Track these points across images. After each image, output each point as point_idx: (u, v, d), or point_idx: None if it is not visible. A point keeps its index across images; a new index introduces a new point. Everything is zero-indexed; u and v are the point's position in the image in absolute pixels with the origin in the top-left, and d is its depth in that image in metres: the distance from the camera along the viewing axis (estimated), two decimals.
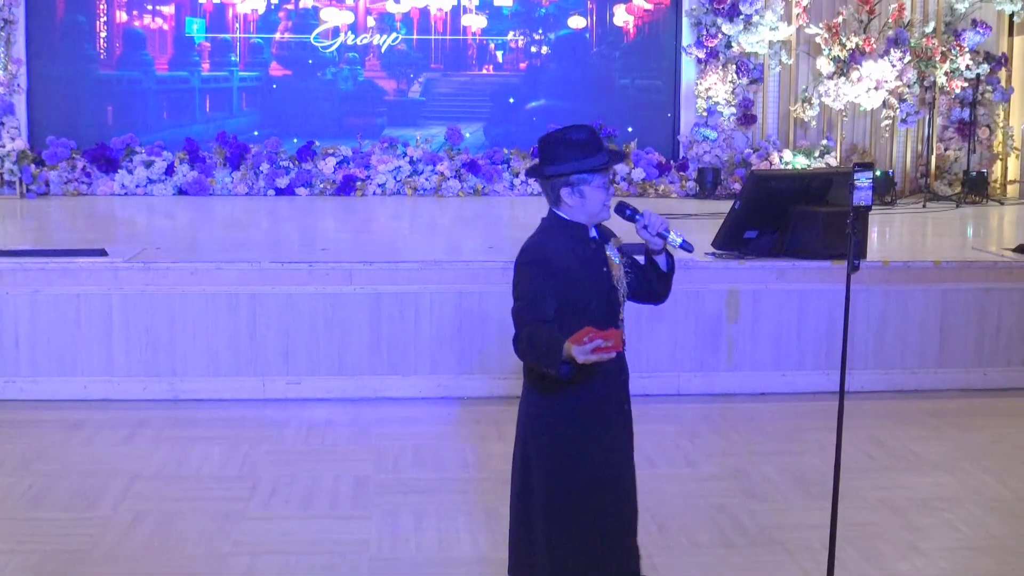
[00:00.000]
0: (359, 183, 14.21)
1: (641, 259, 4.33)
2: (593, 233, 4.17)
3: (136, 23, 14.75)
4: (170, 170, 14.14)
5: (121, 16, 14.69)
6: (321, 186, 14.16)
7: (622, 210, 4.25)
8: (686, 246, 4.24)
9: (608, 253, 4.20)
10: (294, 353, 8.35)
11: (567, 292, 3.99)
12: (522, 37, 15.33)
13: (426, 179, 14.33)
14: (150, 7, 14.74)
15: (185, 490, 6.50)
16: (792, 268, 8.48)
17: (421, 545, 5.78)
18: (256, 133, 14.64)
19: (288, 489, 6.51)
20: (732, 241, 8.97)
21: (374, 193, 14.23)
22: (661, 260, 4.33)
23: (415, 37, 15.11)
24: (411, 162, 14.48)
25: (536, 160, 4.18)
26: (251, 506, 6.26)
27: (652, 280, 4.34)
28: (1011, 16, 15.50)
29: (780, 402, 8.36)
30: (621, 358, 4.16)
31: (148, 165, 14.09)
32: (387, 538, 5.86)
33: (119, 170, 14.07)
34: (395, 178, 14.33)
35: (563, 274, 4.00)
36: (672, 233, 4.22)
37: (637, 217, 4.20)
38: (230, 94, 14.89)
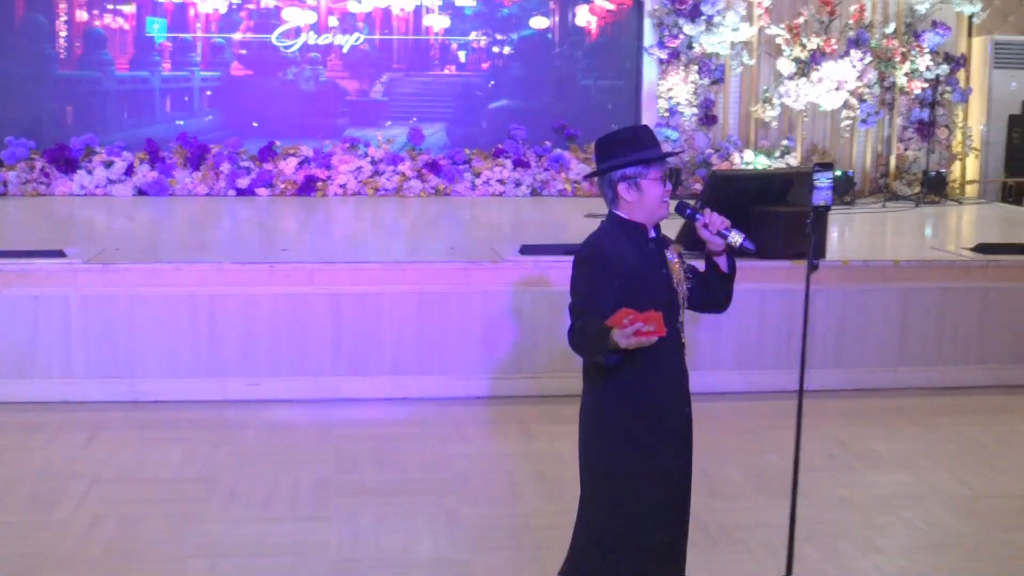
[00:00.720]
0: (320, 183, 14.16)
1: (701, 265, 4.30)
2: (652, 234, 4.16)
3: (96, 23, 14.65)
4: (130, 170, 14.05)
5: (81, 16, 14.59)
6: (282, 186, 14.11)
7: (682, 209, 4.24)
8: (747, 245, 4.18)
9: (668, 256, 4.18)
10: (254, 354, 8.32)
11: (625, 291, 3.96)
12: (484, 37, 15.32)
13: (387, 179, 14.29)
14: (111, 7, 14.64)
15: (145, 492, 6.47)
16: (752, 267, 8.50)
17: (382, 546, 5.78)
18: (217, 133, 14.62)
19: (248, 491, 6.49)
20: (693, 241, 8.96)
21: (335, 193, 14.18)
22: (721, 262, 4.29)
23: (377, 37, 15.08)
24: (372, 162, 14.44)
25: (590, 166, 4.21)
26: (211, 508, 6.23)
27: (713, 284, 4.30)
28: (970, 18, 15.60)
29: (741, 401, 8.39)
30: (681, 362, 4.17)
31: (108, 165, 14.00)
32: (348, 539, 5.85)
33: (78, 170, 13.97)
34: (356, 178, 14.29)
35: (622, 273, 3.99)
36: (733, 233, 4.18)
37: (698, 216, 4.18)
38: (191, 94, 14.82)
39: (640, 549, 4.10)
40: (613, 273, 3.98)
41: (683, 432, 4.20)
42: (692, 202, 4.26)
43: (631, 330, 3.64)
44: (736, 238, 4.17)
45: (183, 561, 5.56)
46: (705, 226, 4.17)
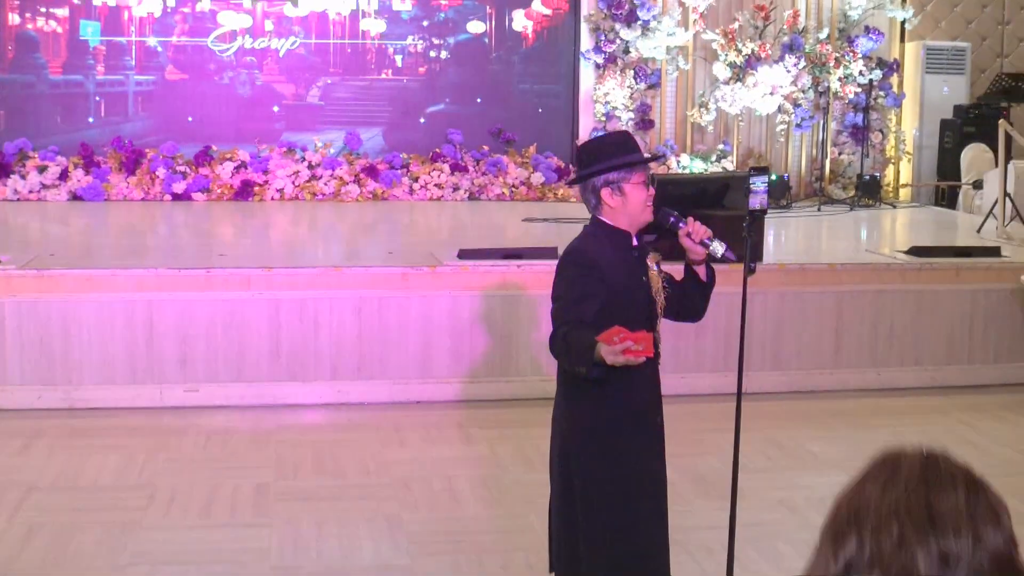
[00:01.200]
0: (257, 188, 14.10)
1: (678, 273, 4.29)
2: (635, 242, 4.16)
3: (29, 26, 14.49)
4: (64, 175, 13.91)
5: (13, 19, 14.43)
6: (218, 191, 14.03)
7: (665, 216, 4.20)
8: (729, 255, 4.17)
9: (648, 264, 4.17)
10: (192, 360, 8.27)
11: (607, 298, 3.97)
12: (421, 42, 15.30)
13: (325, 184, 14.24)
14: (43, 10, 14.49)
15: (82, 501, 6.42)
16: None
17: (323, 553, 5.76)
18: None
19: (187, 498, 6.45)
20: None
21: (272, 198, 14.11)
22: (701, 271, 4.28)
23: (313, 41, 15.02)
24: (310, 167, 14.38)
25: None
26: (149, 516, 6.19)
27: (692, 293, 4.29)
28: (903, 23, 15.76)
29: (679, 404, 8.40)
30: (656, 371, 4.16)
31: (41, 170, 13.85)
32: (288, 546, 5.82)
33: (11, 175, 13.82)
34: (293, 183, 14.23)
35: (604, 280, 3.99)
36: (715, 242, 4.15)
37: (680, 224, 4.16)
38: (126, 98, 14.70)
39: (645, 550, 4.13)
40: (596, 279, 3.99)
41: (658, 438, 4.23)
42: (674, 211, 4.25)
43: (620, 348, 3.66)
44: (718, 248, 4.15)
45: (121, 570, 5.52)
46: (688, 235, 4.15)
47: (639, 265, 4.13)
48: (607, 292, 3.97)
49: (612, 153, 4.09)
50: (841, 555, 1.81)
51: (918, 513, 1.79)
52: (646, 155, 4.14)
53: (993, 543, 1.80)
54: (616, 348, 3.65)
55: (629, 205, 4.07)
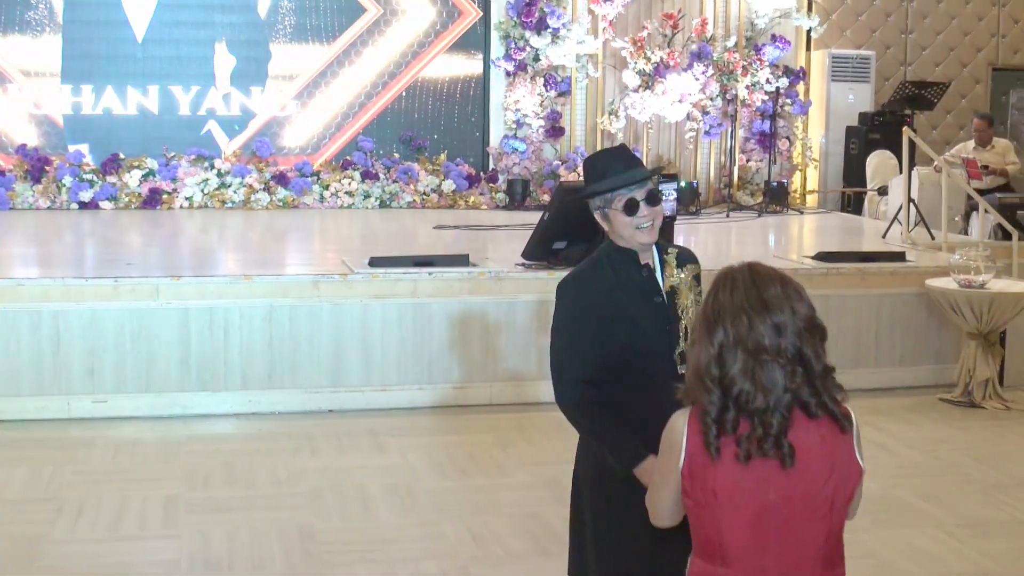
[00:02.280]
0: (166, 196, 13.97)
1: None
2: (646, 260, 3.93)
3: None
4: None
5: None
6: (126, 199, 13.87)
7: None
8: None
9: (672, 280, 3.93)
10: (100, 371, 8.16)
11: (607, 327, 3.81)
12: None
13: (234, 192, 14.15)
14: None
15: None
16: None
17: (234, 564, 5.72)
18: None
19: (95, 511, 6.37)
20: (542, 252, 9.07)
21: (181, 206, 13.99)
22: None
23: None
24: (219, 175, 14.27)
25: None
26: (57, 529, 6.11)
27: None
28: (808, 32, 15.98)
29: None
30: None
31: None
32: (199, 558, 5.77)
33: None
34: (203, 191, 14.12)
35: (600, 307, 3.83)
36: None
37: None
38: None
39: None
40: (589, 307, 3.85)
41: None
42: None
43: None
44: None
45: None
46: None
47: (648, 285, 3.92)
48: (604, 318, 3.82)
49: (592, 177, 3.93)
50: (715, 341, 2.85)
51: (755, 303, 2.85)
52: (632, 173, 3.87)
53: (803, 312, 2.90)
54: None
55: (617, 228, 3.88)
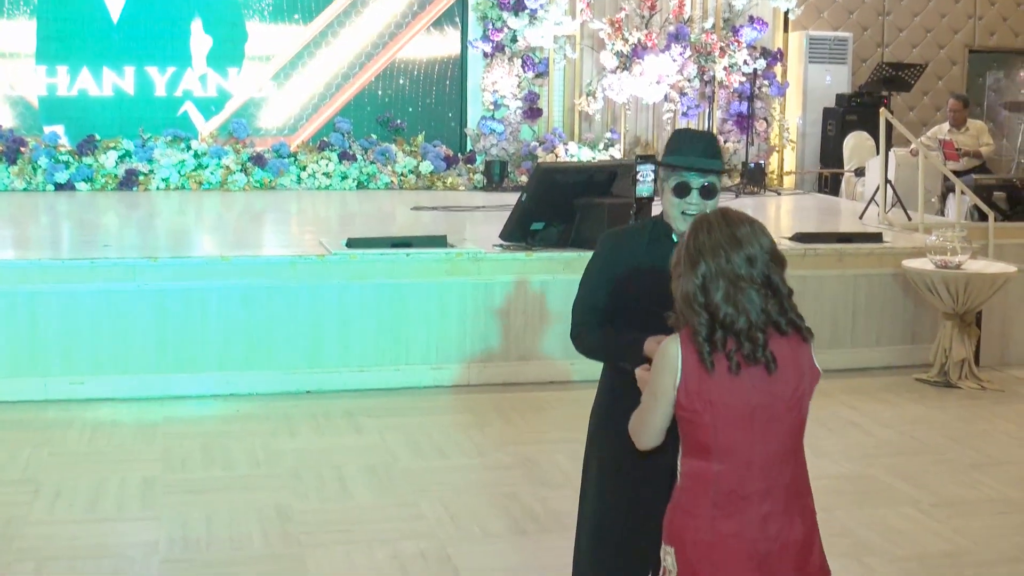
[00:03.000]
0: (142, 177, 13.91)
1: None
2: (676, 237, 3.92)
3: None
4: None
5: None
6: (102, 181, 13.81)
7: None
8: None
9: None
10: (77, 352, 8.14)
11: (624, 284, 3.96)
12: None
13: (211, 173, 14.10)
14: None
15: None
16: (578, 258, 8.57)
17: (212, 545, 5.72)
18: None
19: (73, 492, 6.36)
20: (519, 233, 9.07)
21: (157, 188, 13.93)
22: None
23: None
24: (196, 156, 14.22)
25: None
26: (34, 511, 6.09)
27: None
28: (786, 13, 15.99)
29: (568, 390, 8.48)
30: None
31: None
32: (177, 539, 5.77)
33: None
34: (179, 172, 14.06)
35: (623, 265, 3.96)
36: None
37: None
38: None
39: (627, 549, 4.05)
40: (615, 263, 4.00)
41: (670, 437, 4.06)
42: None
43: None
44: None
45: (7, 566, 5.42)
46: None
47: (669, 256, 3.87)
48: (626, 276, 3.96)
49: (669, 147, 4.01)
50: (698, 273, 3.26)
51: (729, 240, 3.27)
52: (699, 160, 3.93)
53: (768, 246, 3.33)
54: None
55: (664, 204, 3.97)
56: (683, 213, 3.90)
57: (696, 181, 3.90)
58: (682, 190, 3.90)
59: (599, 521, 4.11)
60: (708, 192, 3.91)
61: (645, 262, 3.92)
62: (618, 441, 3.78)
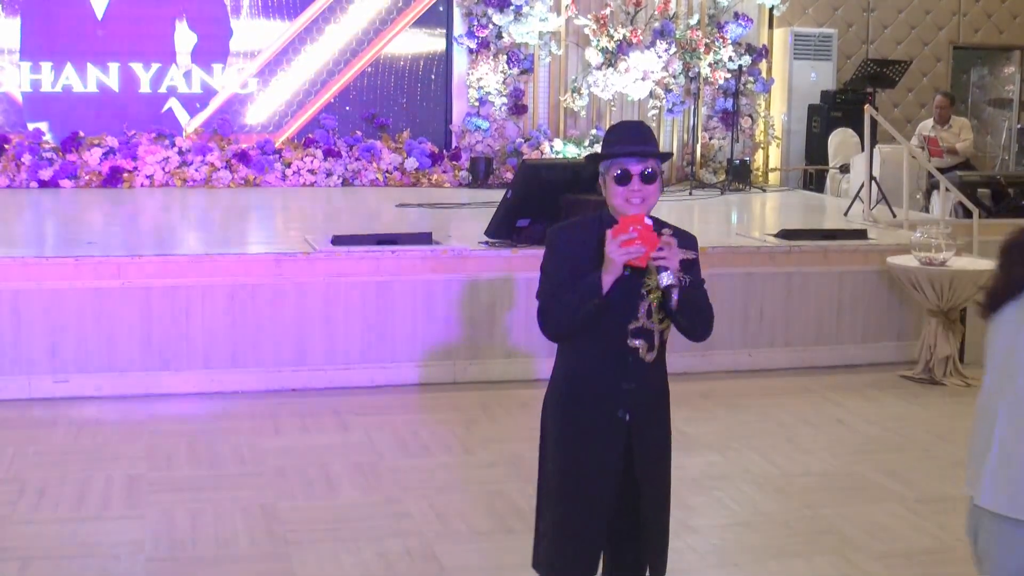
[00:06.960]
0: (126, 174, 13.87)
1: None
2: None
3: None
4: None
5: None
6: (87, 178, 13.77)
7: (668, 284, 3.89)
8: (669, 291, 3.88)
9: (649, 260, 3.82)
10: (61, 350, 8.12)
11: (578, 280, 3.90)
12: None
13: (196, 170, 14.06)
14: None
15: None
16: None
17: (198, 543, 5.70)
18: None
19: (58, 491, 6.33)
20: (505, 229, 9.07)
21: (142, 185, 13.90)
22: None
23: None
24: (180, 153, 14.18)
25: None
26: (19, 510, 6.07)
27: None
28: (771, 10, 16.01)
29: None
30: (627, 365, 4.04)
31: None
32: (163, 538, 5.75)
33: None
34: (164, 169, 14.02)
35: (576, 260, 3.93)
36: (666, 275, 3.80)
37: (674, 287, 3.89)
38: None
39: (572, 538, 4.08)
40: (565, 256, 3.98)
41: (615, 433, 4.01)
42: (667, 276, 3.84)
43: (624, 237, 3.70)
44: (667, 279, 3.82)
45: None
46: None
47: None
48: (575, 273, 3.92)
49: (606, 142, 4.04)
50: None
51: None
52: (634, 147, 3.93)
53: None
54: (616, 241, 3.70)
55: (608, 197, 3.97)
56: (627, 200, 3.90)
57: (635, 167, 3.91)
58: (623, 178, 3.91)
59: (560, 480, 4.11)
60: (648, 178, 3.92)
61: (596, 259, 3.88)
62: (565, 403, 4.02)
